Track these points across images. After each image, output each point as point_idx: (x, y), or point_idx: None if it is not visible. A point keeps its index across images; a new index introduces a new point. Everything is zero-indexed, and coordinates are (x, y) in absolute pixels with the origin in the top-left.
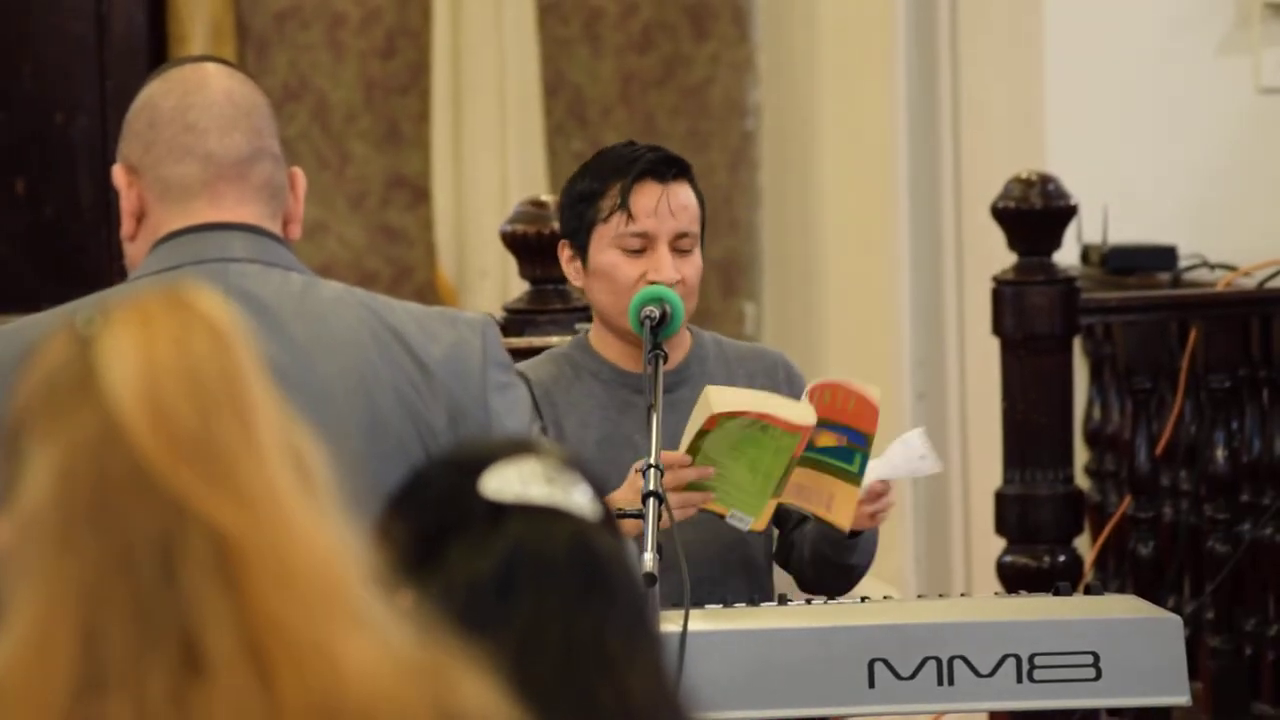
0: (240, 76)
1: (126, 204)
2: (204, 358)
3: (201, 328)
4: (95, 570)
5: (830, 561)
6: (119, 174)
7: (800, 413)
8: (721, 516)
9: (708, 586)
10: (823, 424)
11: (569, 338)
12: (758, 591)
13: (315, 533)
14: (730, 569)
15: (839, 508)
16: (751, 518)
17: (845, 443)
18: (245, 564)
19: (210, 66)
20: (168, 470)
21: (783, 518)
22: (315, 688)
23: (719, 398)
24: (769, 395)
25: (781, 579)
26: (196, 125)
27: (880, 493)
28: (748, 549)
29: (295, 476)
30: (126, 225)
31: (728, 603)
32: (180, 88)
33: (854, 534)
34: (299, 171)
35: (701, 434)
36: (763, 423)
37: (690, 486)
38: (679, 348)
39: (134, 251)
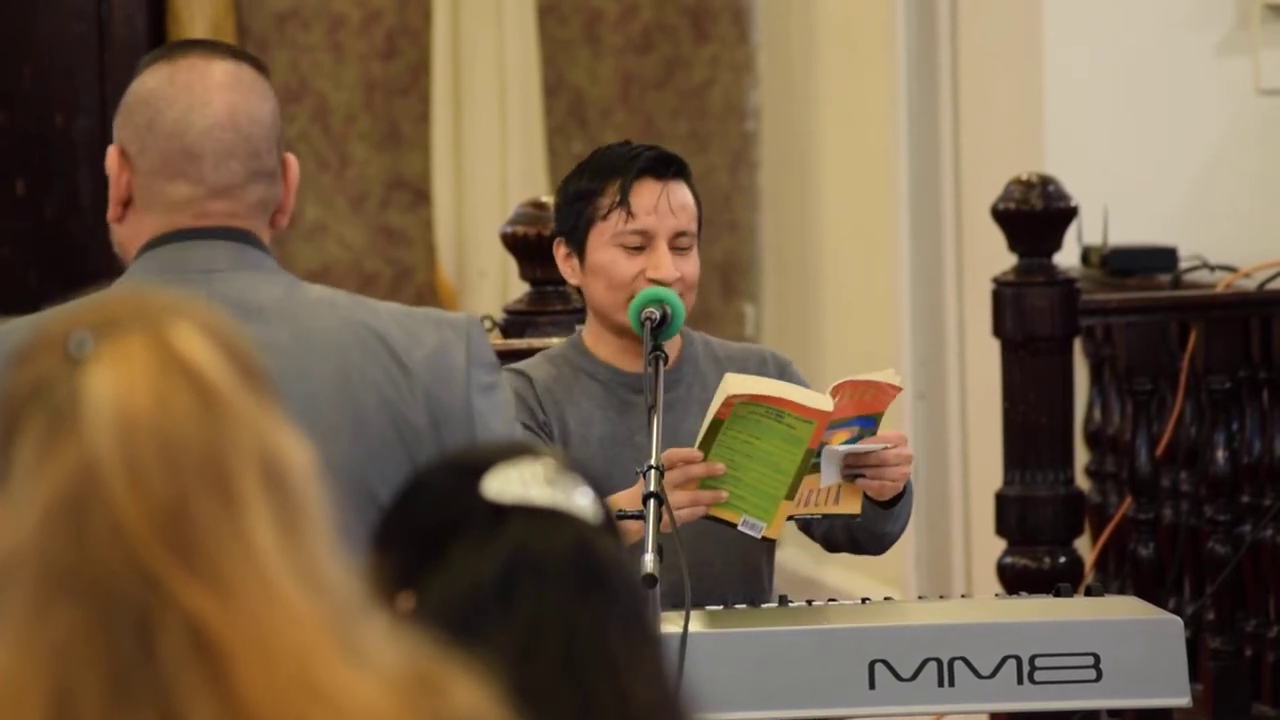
0: (247, 81)
1: (115, 190)
2: (183, 419)
3: (183, 382)
4: (73, 635)
5: (868, 530)
6: (113, 156)
7: (817, 399)
8: (732, 525)
9: (707, 585)
10: (838, 424)
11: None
12: (755, 591)
13: (299, 604)
14: (729, 568)
15: (845, 497)
16: (764, 523)
17: (856, 432)
18: (224, 651)
19: (218, 71)
20: (144, 543)
21: None
22: None
23: (735, 382)
24: (785, 384)
25: (781, 577)
26: (193, 149)
27: (893, 444)
28: (744, 549)
29: (279, 532)
30: (113, 210)
31: (728, 603)
32: (185, 98)
33: (891, 502)
34: (292, 159)
35: (715, 426)
36: (779, 409)
37: (702, 485)
38: (671, 349)
39: (122, 234)
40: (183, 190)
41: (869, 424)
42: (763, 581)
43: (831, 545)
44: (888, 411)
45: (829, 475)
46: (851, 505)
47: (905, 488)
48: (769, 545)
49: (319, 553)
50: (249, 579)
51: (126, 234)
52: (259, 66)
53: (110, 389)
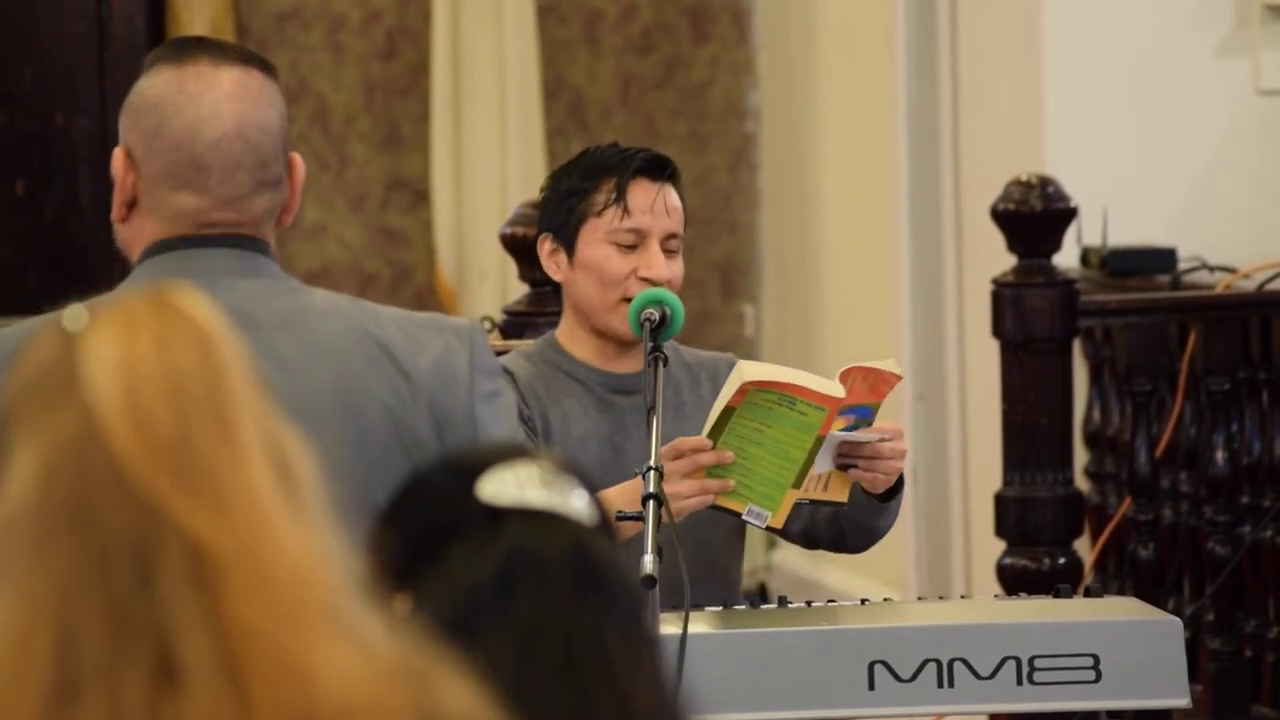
0: (256, 89)
1: (120, 192)
2: (186, 361)
3: (185, 330)
4: (72, 573)
5: (857, 524)
6: (119, 158)
7: (830, 386)
8: (737, 514)
9: (677, 588)
10: (840, 411)
11: None
12: (728, 594)
13: (294, 540)
14: (701, 570)
15: (834, 485)
16: (769, 512)
17: (853, 421)
18: (220, 573)
19: (227, 80)
20: (145, 476)
21: None
22: (289, 699)
23: (751, 369)
24: (798, 370)
25: (781, 577)
26: (201, 161)
27: (889, 437)
28: (715, 552)
29: (278, 482)
30: (118, 210)
31: (698, 605)
32: (194, 108)
33: (886, 497)
34: (298, 159)
35: (727, 414)
36: (791, 396)
37: (710, 474)
38: (639, 355)
39: (125, 234)
40: (189, 201)
41: (866, 414)
42: (733, 585)
43: (811, 541)
44: (887, 406)
45: (822, 462)
46: (840, 493)
47: (899, 482)
48: (738, 548)
49: (315, 522)
50: (247, 508)
51: (129, 234)
52: (267, 68)
53: (110, 342)
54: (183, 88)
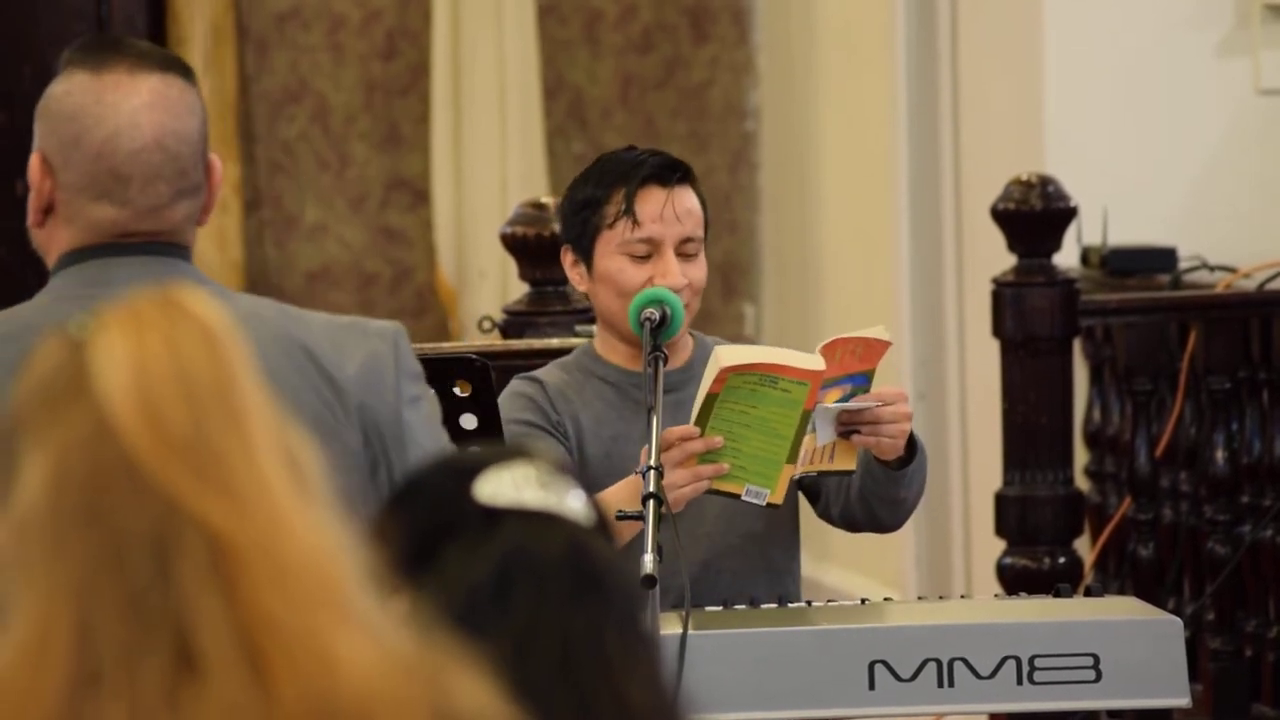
0: (174, 96)
1: (37, 199)
2: (195, 359)
3: (192, 328)
4: (89, 568)
5: (880, 496)
6: (35, 164)
7: (809, 360)
8: (736, 496)
9: (726, 578)
10: (829, 383)
11: (569, 339)
12: (782, 589)
13: (309, 531)
14: (748, 563)
15: (840, 455)
16: (768, 490)
17: (849, 390)
18: (238, 562)
19: (145, 90)
20: (159, 469)
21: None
22: (310, 686)
23: (726, 354)
24: (775, 349)
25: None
26: (120, 172)
27: (890, 401)
28: (762, 544)
29: (289, 475)
30: (34, 216)
31: (726, 601)
32: (112, 119)
33: (902, 465)
34: (216, 161)
35: (710, 401)
36: (772, 375)
37: (702, 460)
38: (683, 350)
39: (43, 239)
40: (107, 212)
41: (861, 381)
42: (787, 579)
43: (851, 523)
44: (894, 373)
45: (824, 434)
46: (847, 462)
47: (916, 450)
48: (791, 542)
49: (324, 515)
50: (263, 500)
51: (44, 240)
52: (186, 73)
53: (119, 343)
54: (100, 98)
